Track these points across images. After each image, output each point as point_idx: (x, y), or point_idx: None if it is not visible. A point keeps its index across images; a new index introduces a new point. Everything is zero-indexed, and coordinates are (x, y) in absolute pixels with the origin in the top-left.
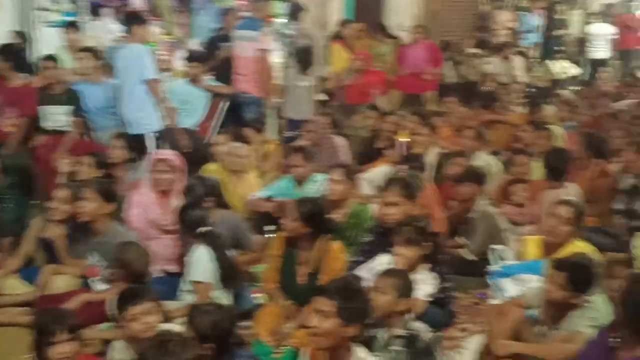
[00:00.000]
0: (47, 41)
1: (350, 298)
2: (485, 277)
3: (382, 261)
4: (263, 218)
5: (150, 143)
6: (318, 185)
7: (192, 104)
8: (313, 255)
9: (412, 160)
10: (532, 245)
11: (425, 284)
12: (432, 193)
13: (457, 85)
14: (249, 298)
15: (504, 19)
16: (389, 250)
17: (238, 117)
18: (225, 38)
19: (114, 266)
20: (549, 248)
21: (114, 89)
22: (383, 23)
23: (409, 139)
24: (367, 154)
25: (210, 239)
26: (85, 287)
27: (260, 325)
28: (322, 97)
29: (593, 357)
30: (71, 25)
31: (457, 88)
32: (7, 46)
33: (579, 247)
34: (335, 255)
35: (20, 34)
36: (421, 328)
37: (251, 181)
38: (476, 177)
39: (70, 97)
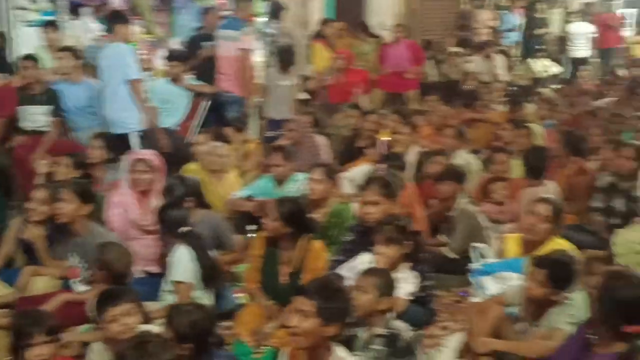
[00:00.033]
0: (26, 41)
1: (330, 298)
2: (466, 275)
3: (364, 260)
4: (244, 218)
5: (134, 142)
6: (299, 184)
7: (173, 104)
8: (294, 254)
9: (393, 159)
10: (512, 243)
11: (406, 283)
12: (413, 192)
13: (439, 84)
14: (231, 298)
15: (485, 17)
16: (370, 249)
17: (220, 116)
18: (206, 37)
19: (95, 267)
20: (528, 246)
21: (97, 88)
22: (364, 22)
23: (390, 138)
24: (349, 153)
25: (191, 239)
26: (66, 288)
27: (241, 326)
28: (304, 96)
29: (571, 353)
30: (50, 25)
31: (438, 87)
32: None
33: (558, 244)
34: (316, 255)
35: None
36: (402, 327)
37: (232, 181)
38: (456, 175)
39: (50, 97)
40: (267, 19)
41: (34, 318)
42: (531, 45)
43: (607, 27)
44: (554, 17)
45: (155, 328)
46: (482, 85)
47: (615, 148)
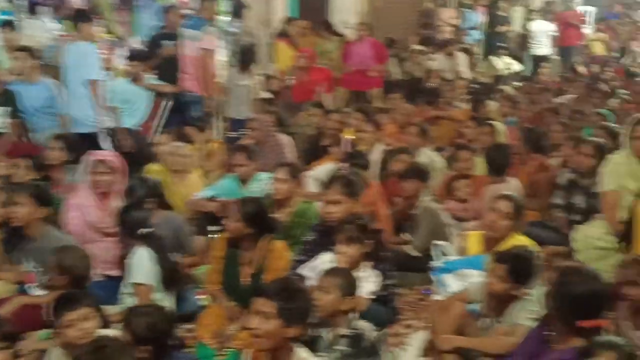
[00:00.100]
0: None
1: (291, 298)
2: (429, 273)
3: (325, 260)
4: (206, 218)
5: (102, 140)
6: (262, 184)
7: (134, 104)
8: (256, 255)
9: (356, 157)
10: (473, 241)
11: (367, 282)
12: (377, 190)
13: (402, 82)
14: (193, 300)
15: (447, 15)
16: (332, 249)
17: (183, 116)
18: (167, 36)
19: (53, 271)
20: (489, 243)
21: (58, 87)
22: (328, 20)
23: (354, 136)
24: (313, 152)
25: (152, 241)
26: (22, 293)
27: (203, 328)
28: (267, 95)
29: (529, 349)
30: (7, 25)
31: (402, 85)
32: None
33: (519, 241)
34: (278, 255)
35: None
36: (366, 327)
37: (194, 181)
38: (419, 173)
39: (7, 98)
40: (229, 18)
41: None
42: (493, 43)
43: (568, 25)
44: (516, 15)
45: (113, 332)
46: (445, 83)
47: (574, 145)
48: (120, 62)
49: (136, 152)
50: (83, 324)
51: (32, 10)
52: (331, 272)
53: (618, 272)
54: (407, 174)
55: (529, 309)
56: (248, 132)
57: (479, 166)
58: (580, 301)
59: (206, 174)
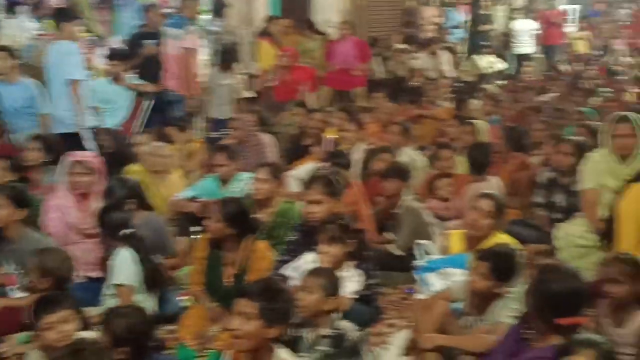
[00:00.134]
0: None
1: (273, 299)
2: (412, 272)
3: (307, 260)
4: (187, 219)
5: (87, 141)
6: (243, 184)
7: (115, 103)
8: (239, 256)
9: (338, 157)
10: (455, 239)
11: (350, 282)
12: (359, 189)
13: (385, 80)
14: (175, 301)
15: (430, 14)
16: (314, 249)
17: (164, 116)
18: (148, 35)
19: (34, 273)
20: (471, 241)
21: (38, 87)
22: (310, 19)
23: (336, 136)
24: (295, 152)
25: (133, 242)
26: (2, 295)
27: (184, 329)
28: (249, 94)
29: (509, 347)
30: None
31: (385, 84)
32: None
33: (501, 239)
34: (261, 255)
35: None
36: (348, 327)
37: (175, 181)
38: (401, 172)
39: None
40: (211, 17)
41: None
42: (476, 42)
43: (550, 24)
44: (499, 14)
45: (93, 334)
46: (428, 81)
47: (557, 143)
48: (100, 61)
49: (116, 153)
50: (62, 327)
51: (10, 9)
52: (314, 272)
53: (599, 270)
54: (388, 173)
55: (511, 307)
56: (230, 132)
57: (461, 165)
58: (558, 299)
59: (187, 174)
